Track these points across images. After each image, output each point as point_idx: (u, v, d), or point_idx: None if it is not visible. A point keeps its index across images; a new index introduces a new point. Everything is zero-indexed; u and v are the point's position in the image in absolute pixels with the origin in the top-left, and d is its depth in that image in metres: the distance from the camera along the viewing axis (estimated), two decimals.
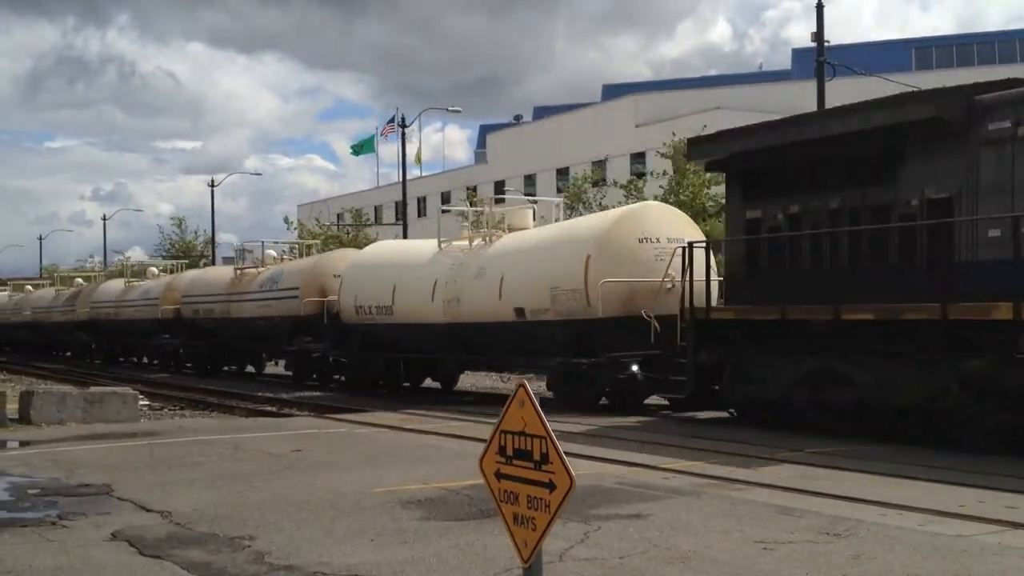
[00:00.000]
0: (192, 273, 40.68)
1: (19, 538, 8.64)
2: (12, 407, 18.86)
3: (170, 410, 23.83)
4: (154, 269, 45.37)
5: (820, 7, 30.11)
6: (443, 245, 23.75)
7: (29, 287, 58.70)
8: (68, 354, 49.67)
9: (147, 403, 23.49)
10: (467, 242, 23.05)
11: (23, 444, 15.33)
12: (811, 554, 7.73)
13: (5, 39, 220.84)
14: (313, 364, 28.57)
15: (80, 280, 52.19)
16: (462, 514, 9.35)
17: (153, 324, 38.21)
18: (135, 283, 42.99)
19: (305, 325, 28.23)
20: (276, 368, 35.56)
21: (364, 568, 7.49)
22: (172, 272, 43.17)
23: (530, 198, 25.70)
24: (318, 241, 44.65)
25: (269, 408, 23.22)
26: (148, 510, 9.78)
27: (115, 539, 8.56)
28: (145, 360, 42.95)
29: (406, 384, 26.30)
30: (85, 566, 7.72)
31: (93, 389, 20.66)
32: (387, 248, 27.84)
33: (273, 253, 34.16)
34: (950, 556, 7.67)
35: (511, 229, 22.61)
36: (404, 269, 24.36)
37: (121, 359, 44.97)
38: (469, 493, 10.14)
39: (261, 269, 32.39)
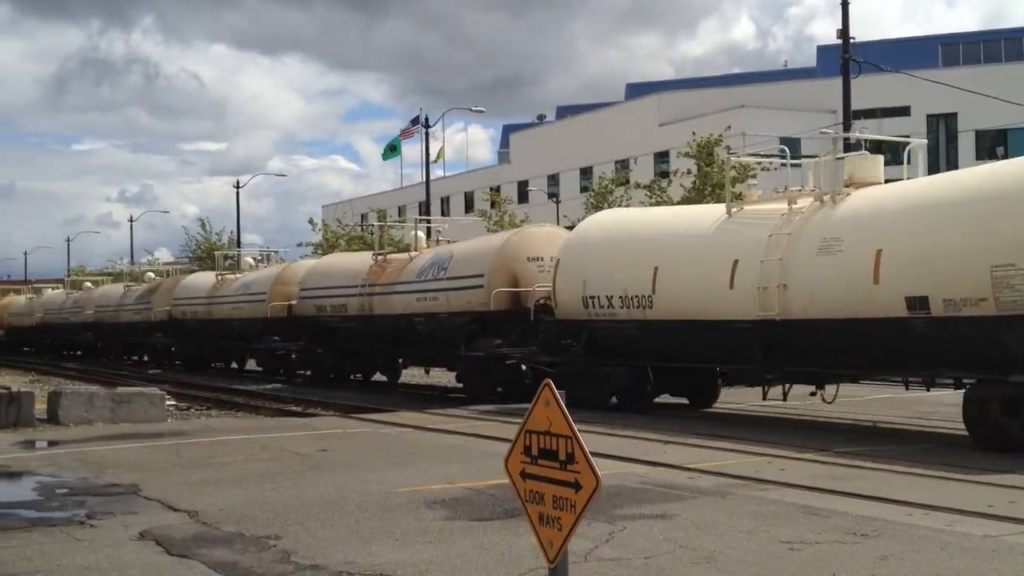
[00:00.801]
0: (309, 263, 34.08)
1: (48, 537, 8.72)
2: (40, 407, 19.03)
3: (196, 410, 23.97)
4: (250, 260, 40.02)
5: (845, 4, 29.92)
6: (735, 210, 17.33)
7: (89, 284, 55.61)
8: (145, 358, 44.56)
9: (174, 403, 23.64)
10: (785, 204, 16.41)
11: (52, 444, 15.46)
12: (838, 555, 7.68)
13: (31, 43, 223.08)
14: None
15: (152, 275, 48.89)
16: (487, 514, 9.35)
17: (259, 324, 32.09)
18: (229, 276, 37.59)
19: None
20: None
21: (389, 568, 7.51)
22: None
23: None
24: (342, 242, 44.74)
25: (294, 408, 23.29)
26: (175, 510, 9.84)
27: (143, 538, 8.62)
28: (234, 366, 38.93)
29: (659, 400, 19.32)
30: (113, 565, 7.78)
31: (120, 389, 20.80)
32: (634, 218, 21.19)
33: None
34: (979, 557, 7.60)
35: (854, 184, 15.89)
36: (671, 244, 17.97)
37: (215, 364, 39.57)
38: (494, 493, 10.14)
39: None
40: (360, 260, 28.75)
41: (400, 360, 28.45)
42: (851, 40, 30.30)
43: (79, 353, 51.70)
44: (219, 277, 37.69)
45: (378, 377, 29.26)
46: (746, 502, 9.75)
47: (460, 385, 23.65)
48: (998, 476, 10.85)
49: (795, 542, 8.07)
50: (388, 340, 26.16)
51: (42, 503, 10.48)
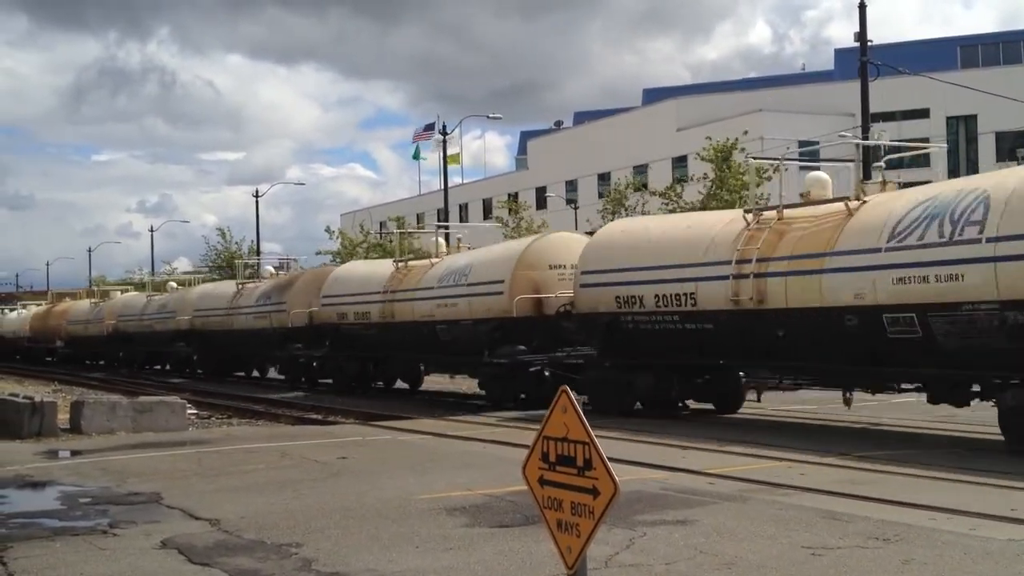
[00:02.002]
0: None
1: (71, 546, 8.77)
2: (63, 417, 19.16)
3: (217, 419, 24.07)
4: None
5: (863, 7, 29.84)
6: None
7: (173, 284, 50.91)
8: (167, 367, 44.92)
9: (195, 412, 23.75)
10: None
11: (74, 453, 15.56)
12: (860, 560, 7.64)
13: (49, 55, 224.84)
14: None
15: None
16: (506, 520, 9.36)
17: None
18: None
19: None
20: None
21: (410, 574, 7.52)
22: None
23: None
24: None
25: (315, 416, 23.36)
26: (197, 518, 9.89)
27: (165, 547, 8.66)
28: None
29: None
30: (135, 574, 7.82)
31: (142, 399, 20.93)
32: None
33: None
34: (1002, 561, 7.55)
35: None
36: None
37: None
38: (513, 499, 10.14)
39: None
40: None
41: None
42: (869, 43, 30.20)
43: (167, 368, 44.92)
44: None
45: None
46: (767, 507, 9.72)
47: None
48: (1021, 480, 10.77)
49: (817, 547, 8.04)
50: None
51: (65, 512, 10.54)
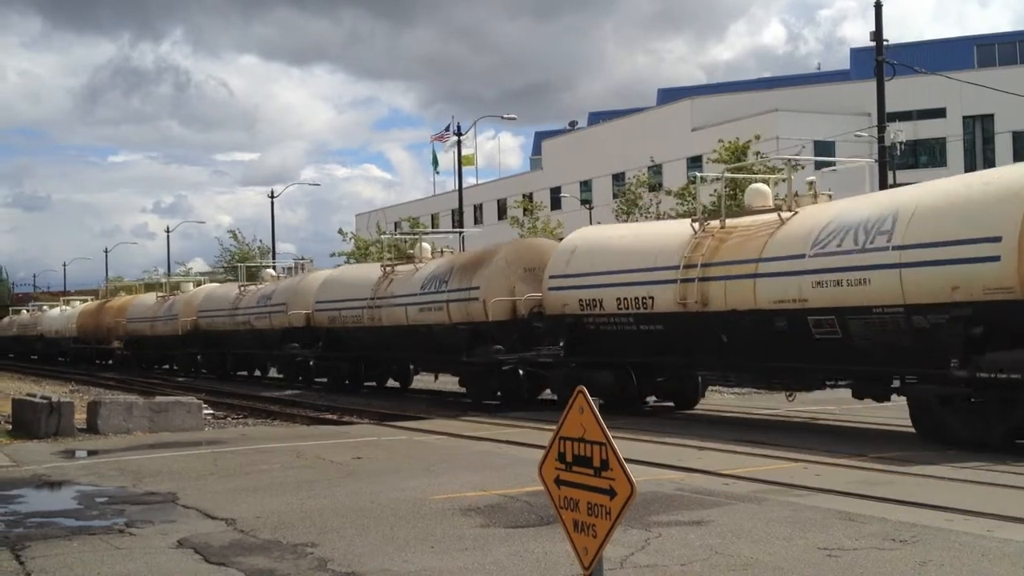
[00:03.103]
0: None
1: (88, 546, 8.82)
2: (80, 417, 19.26)
3: (233, 419, 24.14)
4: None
5: (879, 6, 29.74)
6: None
7: (271, 271, 43.12)
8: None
9: (211, 412, 23.83)
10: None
11: (91, 453, 15.64)
12: (876, 561, 7.61)
13: (64, 57, 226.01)
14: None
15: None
16: (522, 521, 9.36)
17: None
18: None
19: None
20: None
21: (425, 575, 7.53)
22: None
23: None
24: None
25: (330, 416, 23.42)
26: (213, 518, 9.92)
27: (181, 547, 8.69)
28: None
29: None
30: (152, 573, 7.86)
31: (158, 399, 21.02)
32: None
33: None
34: (1020, 563, 7.51)
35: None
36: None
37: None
38: (528, 500, 10.14)
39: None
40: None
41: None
42: (885, 42, 30.09)
43: (258, 375, 39.30)
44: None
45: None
46: (782, 508, 9.69)
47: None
48: None
49: (833, 548, 8.01)
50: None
51: (82, 512, 10.60)
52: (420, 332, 25.17)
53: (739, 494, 10.51)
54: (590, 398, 5.35)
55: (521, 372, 22.02)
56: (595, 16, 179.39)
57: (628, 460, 5.23)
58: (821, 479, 11.27)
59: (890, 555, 7.78)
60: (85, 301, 59.64)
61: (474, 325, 22.90)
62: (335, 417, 23.05)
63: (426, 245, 28.36)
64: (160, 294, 45.69)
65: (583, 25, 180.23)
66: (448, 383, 28.23)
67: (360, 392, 29.30)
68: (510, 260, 22.92)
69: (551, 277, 20.80)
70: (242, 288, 37.26)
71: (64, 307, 60.58)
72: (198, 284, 46.53)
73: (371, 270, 29.71)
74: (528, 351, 21.52)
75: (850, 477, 11.43)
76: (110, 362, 50.42)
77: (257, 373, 39.38)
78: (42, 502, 11.64)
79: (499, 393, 22.79)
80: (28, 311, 68.13)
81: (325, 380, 31.15)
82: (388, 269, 27.89)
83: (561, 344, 20.33)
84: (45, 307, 65.13)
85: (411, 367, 29.84)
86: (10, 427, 19.51)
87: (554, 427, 5.53)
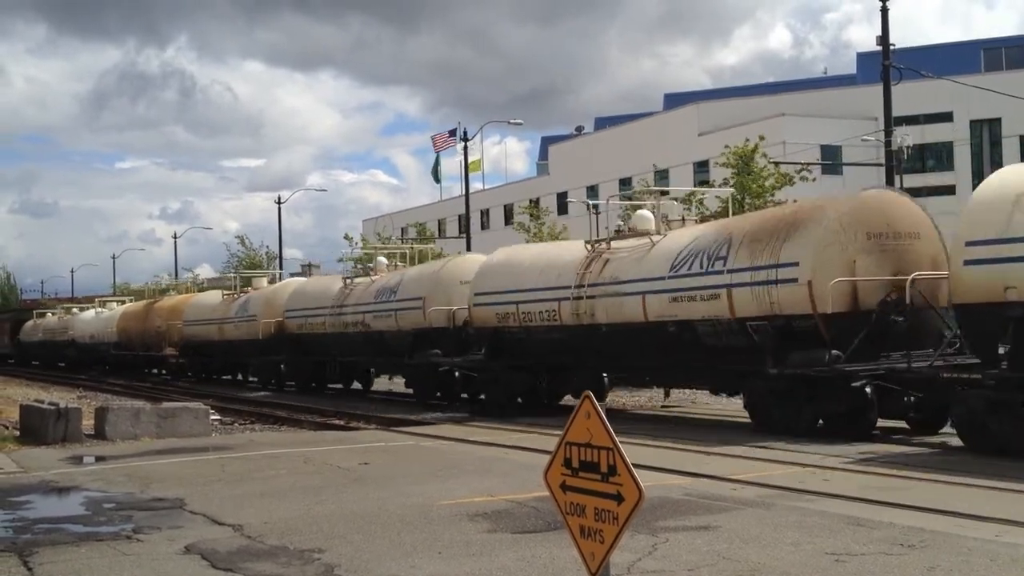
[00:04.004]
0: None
1: (96, 552, 8.82)
2: (88, 423, 19.29)
3: (240, 424, 24.16)
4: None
5: (885, 10, 29.70)
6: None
7: (262, 281, 40.29)
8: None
9: (218, 418, 23.85)
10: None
11: (99, 459, 15.66)
12: (885, 566, 7.59)
13: (70, 63, 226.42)
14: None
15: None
16: (528, 526, 9.35)
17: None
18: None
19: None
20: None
21: None
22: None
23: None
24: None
25: (337, 421, 23.45)
26: (220, 523, 9.93)
27: (188, 552, 8.70)
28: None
29: None
30: None
31: (166, 404, 21.03)
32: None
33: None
34: None
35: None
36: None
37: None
38: (535, 505, 10.13)
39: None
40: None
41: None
42: (891, 47, 30.04)
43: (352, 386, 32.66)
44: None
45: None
46: (790, 513, 9.67)
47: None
48: None
49: (841, 554, 7.99)
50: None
51: (90, 518, 10.61)
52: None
53: (747, 499, 10.49)
54: (596, 403, 5.34)
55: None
56: (600, 20, 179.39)
57: (634, 465, 5.22)
58: (829, 484, 11.24)
59: (898, 560, 7.75)
60: (123, 303, 54.19)
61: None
62: (342, 423, 23.07)
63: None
64: (226, 291, 39.51)
65: (588, 29, 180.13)
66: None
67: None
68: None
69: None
70: (348, 282, 30.85)
71: (100, 309, 54.58)
72: (271, 281, 39.83)
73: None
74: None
75: (858, 482, 11.40)
76: (164, 372, 44.71)
77: (357, 385, 32.60)
78: (50, 508, 11.66)
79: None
80: (54, 314, 62.42)
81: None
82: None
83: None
84: (75, 309, 59.14)
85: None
86: (18, 433, 19.55)
87: (560, 432, 5.52)
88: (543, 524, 9.31)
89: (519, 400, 22.59)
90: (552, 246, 25.90)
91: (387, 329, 27.16)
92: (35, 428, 18.70)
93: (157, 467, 14.37)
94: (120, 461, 15.20)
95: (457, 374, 24.42)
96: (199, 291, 46.35)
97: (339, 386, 32.48)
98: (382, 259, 30.99)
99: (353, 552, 8.50)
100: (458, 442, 16.66)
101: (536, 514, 9.80)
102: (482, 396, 23.54)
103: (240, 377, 39.13)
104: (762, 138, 39.73)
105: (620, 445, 5.15)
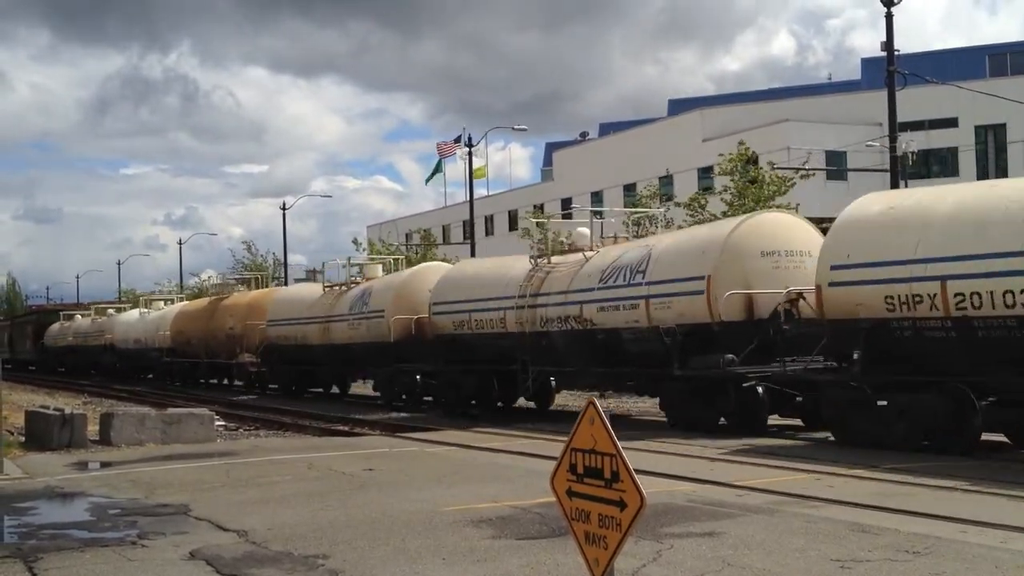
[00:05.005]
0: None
1: (101, 557, 8.84)
2: (93, 429, 19.31)
3: (245, 430, 24.17)
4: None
5: (889, 16, 29.68)
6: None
7: (377, 268, 32.44)
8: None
9: (223, 423, 23.87)
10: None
11: (104, 465, 15.68)
12: (889, 573, 7.58)
13: (75, 70, 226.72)
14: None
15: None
16: (533, 532, 9.35)
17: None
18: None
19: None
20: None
21: None
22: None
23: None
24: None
25: (341, 427, 23.45)
26: (225, 529, 9.94)
27: (193, 558, 8.71)
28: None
29: None
30: None
31: (171, 410, 21.06)
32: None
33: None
34: None
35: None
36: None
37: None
38: (540, 511, 10.13)
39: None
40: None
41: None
42: (896, 52, 30.02)
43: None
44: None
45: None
46: (795, 520, 9.66)
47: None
48: None
49: (845, 560, 7.98)
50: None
51: (95, 523, 10.63)
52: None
53: (752, 505, 10.48)
54: (601, 410, 5.35)
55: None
56: (603, 26, 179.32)
57: (640, 472, 5.23)
58: (834, 490, 11.23)
59: (903, 567, 7.74)
60: (172, 301, 48.70)
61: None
62: (347, 428, 23.08)
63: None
64: (328, 284, 32.13)
65: (591, 35, 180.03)
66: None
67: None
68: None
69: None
70: (537, 262, 22.80)
71: (144, 309, 48.56)
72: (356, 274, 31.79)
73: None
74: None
75: (864, 488, 11.38)
76: (239, 384, 37.80)
77: (522, 402, 25.05)
78: (55, 514, 11.68)
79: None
80: (84, 315, 57.81)
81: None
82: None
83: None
84: (111, 311, 53.63)
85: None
86: (23, 439, 19.58)
87: (565, 438, 5.52)
88: (548, 530, 9.31)
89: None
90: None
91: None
92: (40, 434, 18.74)
93: (162, 473, 14.38)
94: (125, 467, 15.22)
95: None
96: (212, 295, 41.71)
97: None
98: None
99: (357, 558, 8.51)
100: (463, 448, 16.66)
101: (541, 520, 9.80)
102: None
103: (336, 390, 33.67)
104: (759, 156, 39.75)
105: (623, 451, 5.16)
